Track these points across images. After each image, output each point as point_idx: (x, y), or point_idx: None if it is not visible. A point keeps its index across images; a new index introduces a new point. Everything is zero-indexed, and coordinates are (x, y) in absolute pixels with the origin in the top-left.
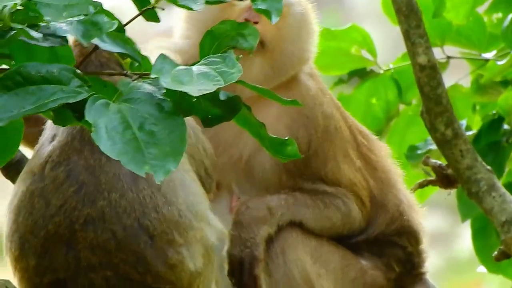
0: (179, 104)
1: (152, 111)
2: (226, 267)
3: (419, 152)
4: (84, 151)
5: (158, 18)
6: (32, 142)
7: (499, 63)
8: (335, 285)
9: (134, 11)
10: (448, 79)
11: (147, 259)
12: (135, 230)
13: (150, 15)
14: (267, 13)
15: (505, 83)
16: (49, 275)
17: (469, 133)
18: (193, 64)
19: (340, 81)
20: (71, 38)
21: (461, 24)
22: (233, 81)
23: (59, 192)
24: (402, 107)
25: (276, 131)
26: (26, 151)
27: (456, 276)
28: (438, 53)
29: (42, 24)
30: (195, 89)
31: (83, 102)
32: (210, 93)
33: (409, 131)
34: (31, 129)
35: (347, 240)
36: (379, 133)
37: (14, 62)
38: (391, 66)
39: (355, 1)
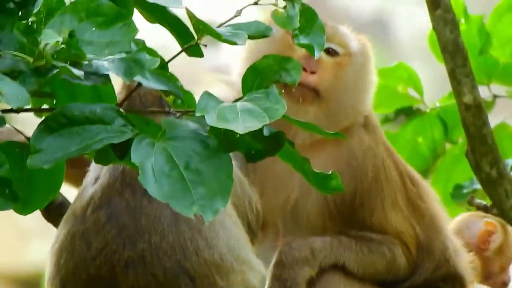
0: (223, 141)
1: (198, 149)
2: None
3: (464, 191)
4: (126, 193)
5: (202, 53)
6: (77, 182)
7: None
8: None
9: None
10: (495, 118)
11: None
12: (176, 272)
13: (194, 50)
14: (309, 48)
15: None
16: None
17: None
18: (237, 101)
19: (386, 119)
20: (118, 80)
21: (507, 62)
22: (279, 117)
23: (100, 235)
24: (448, 145)
25: None
26: (68, 193)
27: None
28: (484, 92)
29: (84, 62)
30: (241, 126)
31: (127, 141)
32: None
33: (455, 170)
34: (76, 169)
35: (391, 287)
36: (425, 171)
37: (55, 100)
38: (438, 104)
39: (402, 38)
